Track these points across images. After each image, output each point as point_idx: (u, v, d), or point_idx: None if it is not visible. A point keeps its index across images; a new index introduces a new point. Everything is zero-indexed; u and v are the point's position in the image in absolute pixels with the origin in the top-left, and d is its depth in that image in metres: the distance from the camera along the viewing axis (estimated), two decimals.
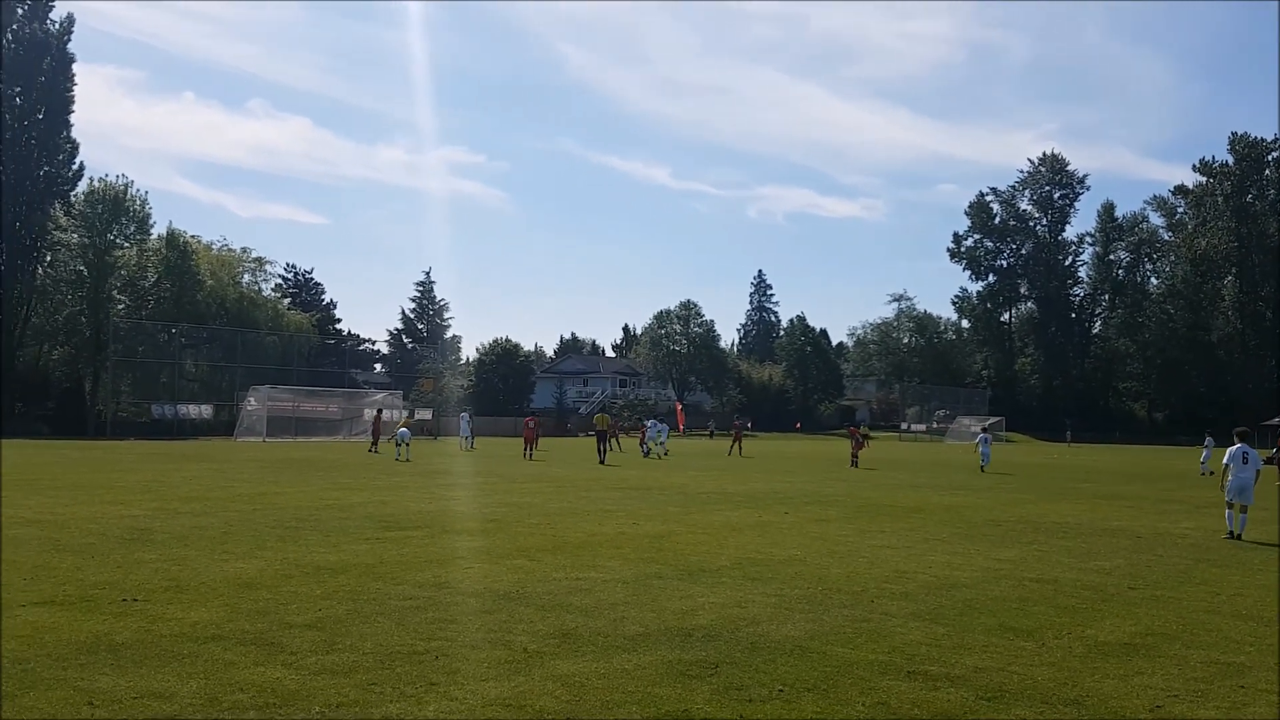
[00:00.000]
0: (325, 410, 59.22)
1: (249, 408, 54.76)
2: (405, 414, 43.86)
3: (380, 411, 45.41)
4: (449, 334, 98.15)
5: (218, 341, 65.99)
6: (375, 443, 40.02)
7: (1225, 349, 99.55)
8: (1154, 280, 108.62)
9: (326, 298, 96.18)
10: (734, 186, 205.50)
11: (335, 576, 9.93)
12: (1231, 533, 15.20)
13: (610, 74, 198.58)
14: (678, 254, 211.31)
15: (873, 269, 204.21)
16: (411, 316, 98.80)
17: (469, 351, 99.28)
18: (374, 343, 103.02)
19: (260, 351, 66.62)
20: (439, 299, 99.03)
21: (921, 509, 19.17)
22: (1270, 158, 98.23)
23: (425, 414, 67.04)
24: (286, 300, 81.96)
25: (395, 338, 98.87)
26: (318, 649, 6.99)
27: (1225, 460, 15.81)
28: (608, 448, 33.93)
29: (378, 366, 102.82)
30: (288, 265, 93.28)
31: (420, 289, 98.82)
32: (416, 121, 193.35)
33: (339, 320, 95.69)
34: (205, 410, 60.59)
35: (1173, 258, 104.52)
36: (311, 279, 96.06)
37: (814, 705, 5.94)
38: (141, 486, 20.50)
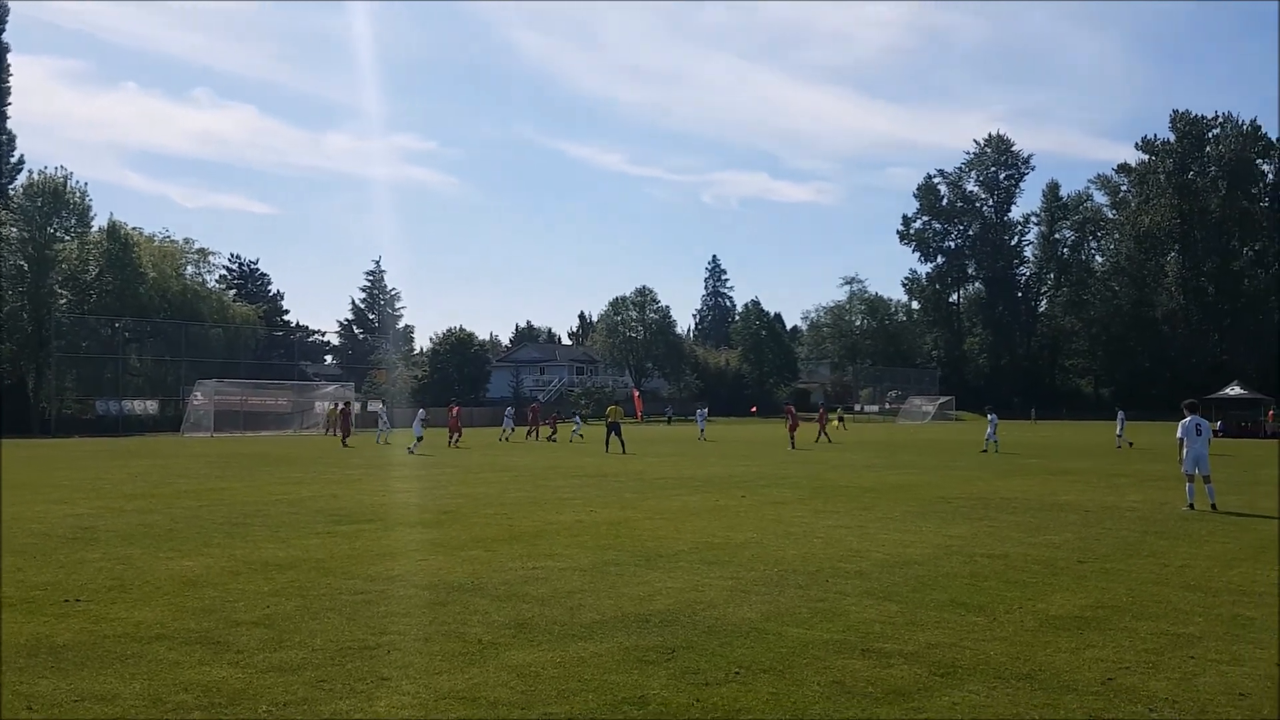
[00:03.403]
0: (274, 403, 58.41)
1: (195, 402, 53.80)
2: (420, 409, 43.29)
3: (348, 404, 44.67)
4: (401, 324, 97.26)
5: (162, 335, 64.75)
6: (345, 437, 39.38)
7: (1169, 324, 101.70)
8: (1098, 258, 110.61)
9: (273, 288, 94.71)
10: (689, 172, 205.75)
11: (284, 572, 9.76)
12: (1191, 505, 15.47)
13: (564, 60, 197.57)
14: (633, 240, 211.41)
15: (826, 252, 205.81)
16: (362, 307, 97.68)
17: (422, 342, 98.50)
18: (324, 334, 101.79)
19: (206, 345, 65.50)
20: (390, 288, 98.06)
21: (875, 489, 19.34)
22: (1211, 135, 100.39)
23: (377, 405, 66.34)
24: (232, 292, 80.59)
25: (346, 328, 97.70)
26: (265, 646, 6.85)
27: (1179, 434, 16.07)
28: (621, 439, 33.70)
29: (328, 358, 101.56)
30: (232, 256, 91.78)
31: (371, 278, 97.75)
32: (366, 108, 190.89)
33: (286, 311, 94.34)
34: (151, 406, 59.49)
35: (1117, 235, 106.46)
36: (257, 269, 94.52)
37: (770, 686, 5.93)
38: (85, 484, 20.04)
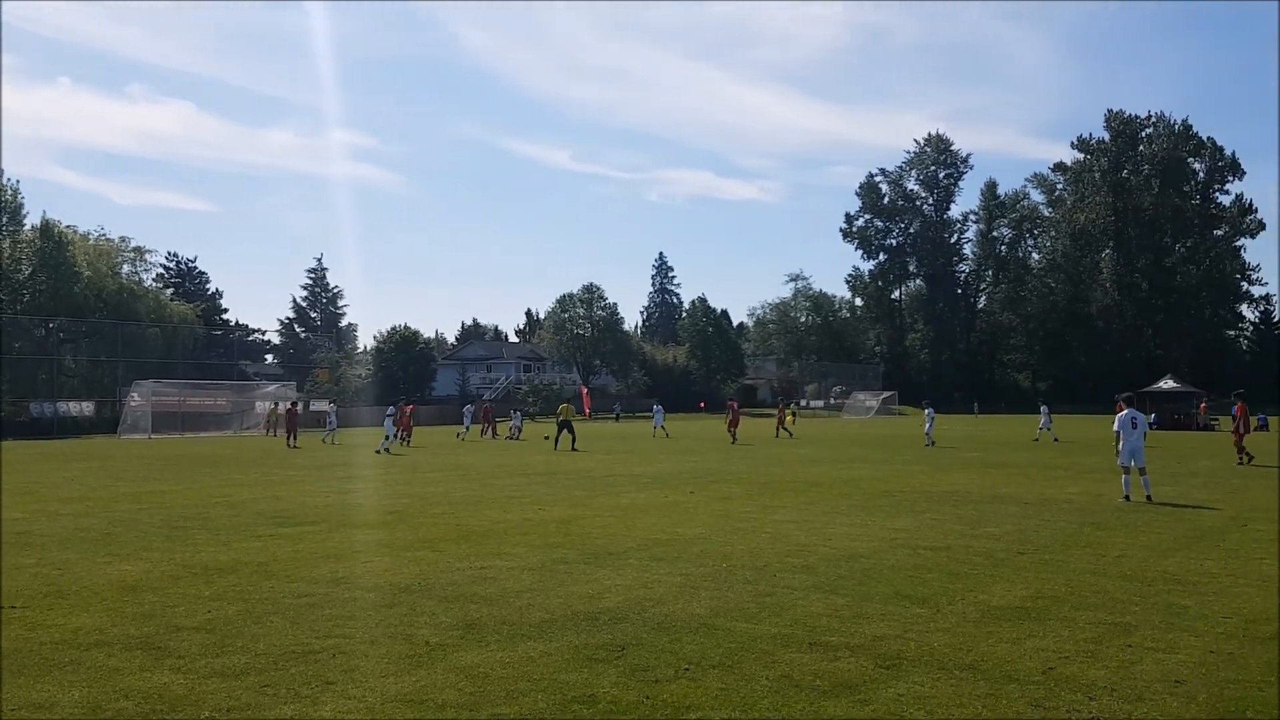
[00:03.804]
0: (214, 404, 57.21)
1: (132, 404, 52.54)
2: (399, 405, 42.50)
3: (295, 405, 43.89)
4: (344, 322, 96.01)
5: (98, 335, 63.16)
6: (292, 436, 38.64)
7: (1103, 320, 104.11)
8: (1035, 255, 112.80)
9: (212, 287, 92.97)
10: (635, 169, 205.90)
11: (225, 576, 9.59)
12: (1127, 497, 15.85)
13: (510, 57, 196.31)
14: (580, 237, 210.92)
15: (771, 250, 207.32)
16: (304, 305, 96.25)
17: (366, 340, 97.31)
18: (264, 333, 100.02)
19: (143, 345, 64.01)
20: (332, 286, 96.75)
21: (821, 483, 19.55)
22: (1144, 134, 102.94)
23: (321, 405, 65.47)
24: (169, 291, 78.91)
25: (287, 327, 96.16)
26: (207, 652, 6.74)
27: (1115, 427, 16.46)
28: (573, 436, 33.61)
29: (269, 357, 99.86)
30: (170, 254, 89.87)
31: (312, 276, 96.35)
32: (306, 104, 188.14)
33: (226, 310, 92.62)
34: (87, 407, 57.93)
35: (1053, 233, 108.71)
36: (195, 268, 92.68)
37: (719, 681, 5.97)
38: (20, 488, 19.46)
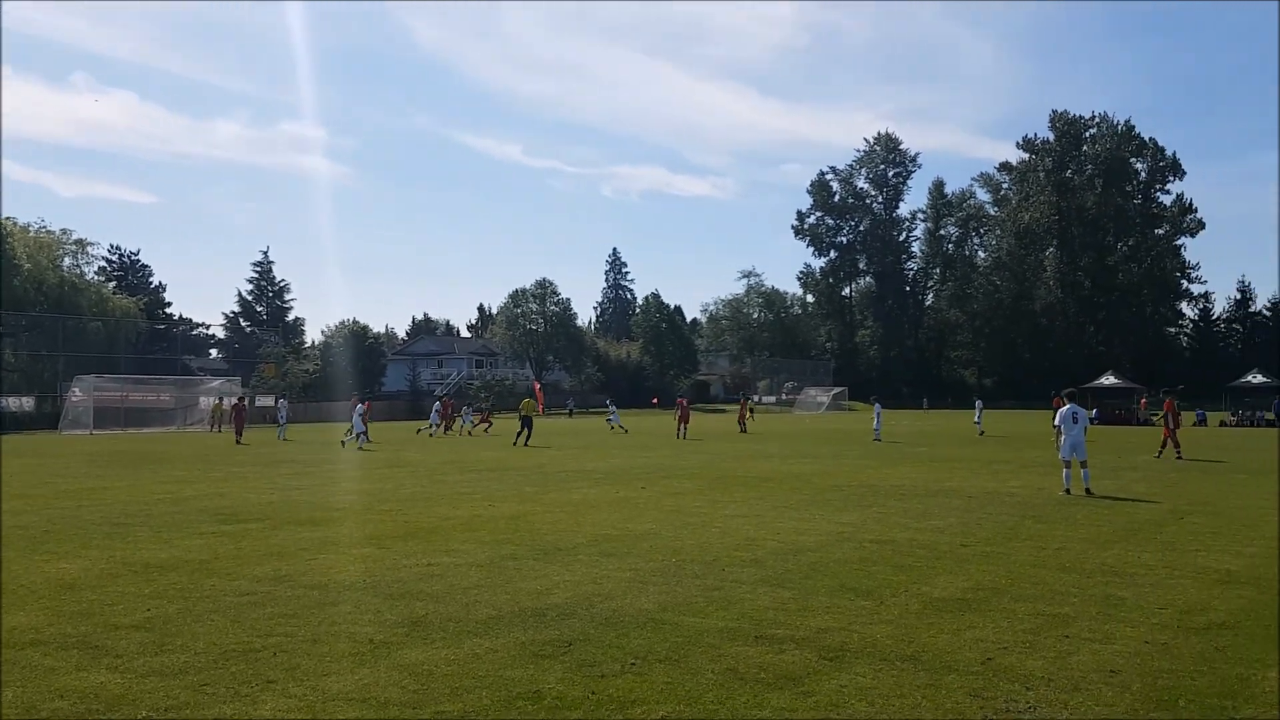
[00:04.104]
0: (157, 399, 56.16)
1: (74, 399, 51.35)
2: (354, 399, 41.86)
3: (242, 400, 43.13)
4: (291, 316, 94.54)
5: (39, 329, 61.64)
6: (239, 433, 37.91)
7: (1047, 317, 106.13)
8: (981, 253, 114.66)
9: (155, 280, 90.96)
10: (589, 164, 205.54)
11: (166, 574, 9.43)
12: (1067, 490, 16.16)
13: (463, 50, 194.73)
14: (533, 232, 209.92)
15: (724, 246, 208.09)
16: (249, 299, 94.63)
17: (314, 334, 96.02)
18: (209, 327, 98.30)
19: (84, 339, 62.64)
20: (279, 280, 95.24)
21: (771, 478, 19.69)
22: (1088, 134, 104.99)
23: (267, 400, 64.52)
24: (112, 284, 77.16)
25: (232, 321, 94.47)
26: (146, 650, 6.62)
27: (1056, 421, 16.84)
28: (529, 433, 33.51)
29: (214, 352, 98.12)
30: (112, 247, 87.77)
31: (258, 270, 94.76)
32: (254, 95, 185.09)
33: (169, 304, 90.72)
34: (27, 402, 56.57)
35: (999, 231, 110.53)
36: (138, 261, 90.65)
37: (665, 675, 5.99)
38: None
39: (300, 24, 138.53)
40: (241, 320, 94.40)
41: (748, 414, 46.10)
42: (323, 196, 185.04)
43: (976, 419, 41.06)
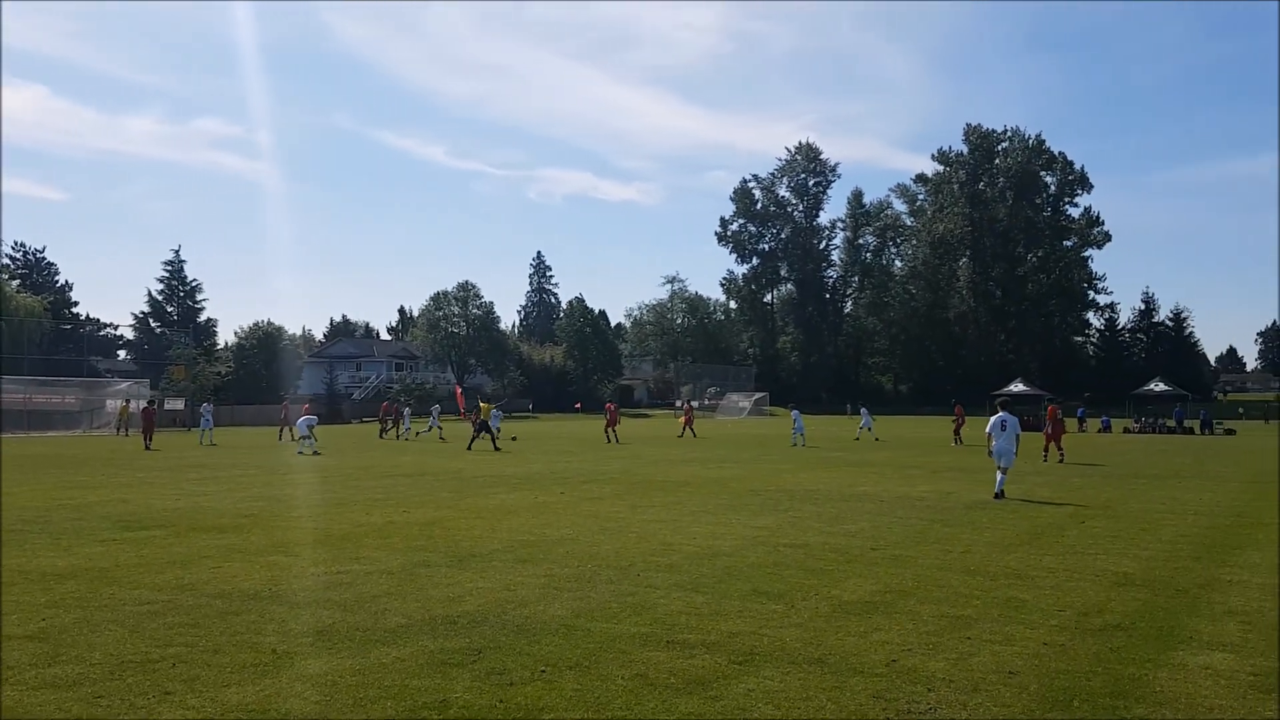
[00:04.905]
0: (62, 401, 54.16)
1: None
2: (306, 404, 40.71)
3: (152, 403, 41.71)
4: (203, 317, 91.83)
5: None
6: (148, 437, 36.50)
7: (960, 325, 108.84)
8: (898, 263, 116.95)
9: (61, 279, 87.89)
10: (513, 167, 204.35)
11: (63, 582, 9.08)
12: (998, 494, 16.66)
13: (384, 48, 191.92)
14: (456, 234, 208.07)
15: (649, 251, 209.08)
16: (160, 298, 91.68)
17: (226, 336, 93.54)
18: (117, 327, 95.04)
19: None
20: (191, 279, 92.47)
21: (690, 483, 19.79)
22: (1000, 147, 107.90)
23: (177, 404, 62.67)
24: (15, 282, 74.18)
25: (141, 322, 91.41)
26: (39, 662, 6.38)
27: (987, 429, 17.42)
28: (476, 436, 33.35)
29: (122, 353, 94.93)
30: (16, 244, 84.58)
31: (169, 269, 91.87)
32: (169, 90, 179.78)
33: (76, 304, 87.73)
34: None
35: (914, 241, 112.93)
36: (44, 258, 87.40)
37: (574, 682, 5.97)
38: None
39: (217, 19, 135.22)
40: (151, 321, 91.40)
41: (683, 418, 46.41)
42: (238, 195, 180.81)
43: (863, 425, 42.17)
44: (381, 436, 43.78)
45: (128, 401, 50.17)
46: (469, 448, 32.24)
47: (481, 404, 35.90)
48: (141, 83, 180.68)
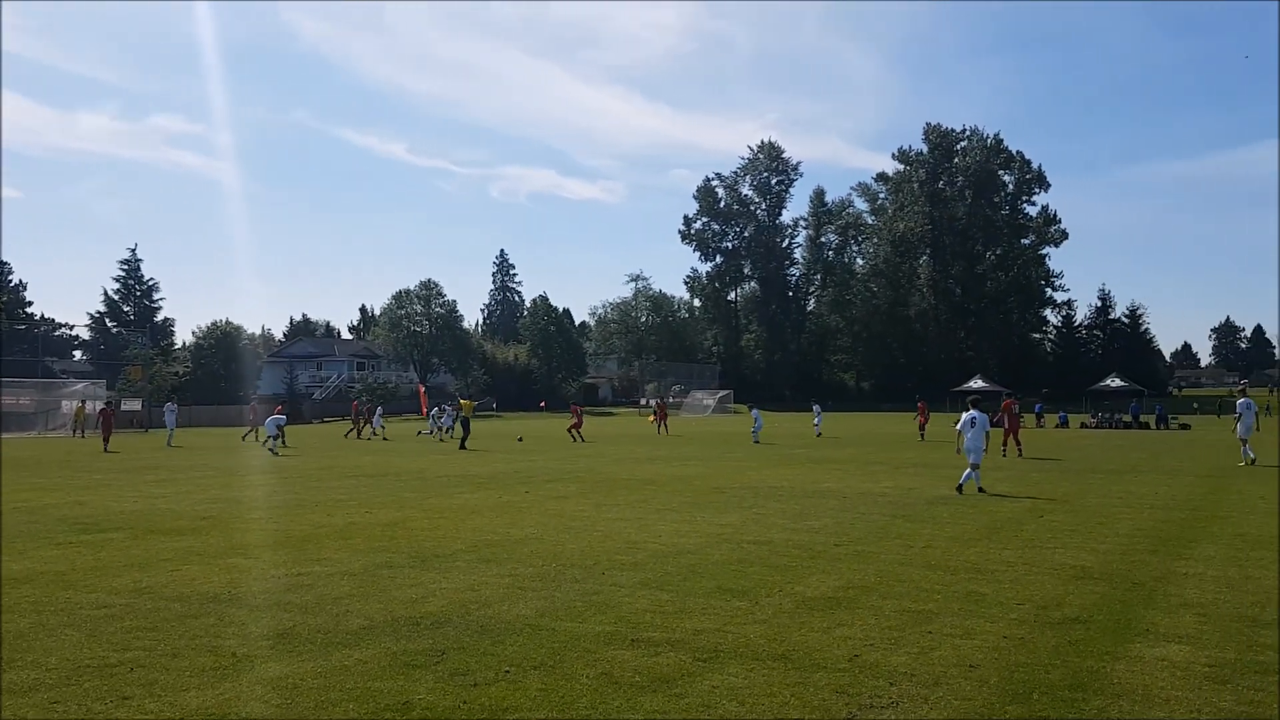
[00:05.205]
0: (16, 403, 53.13)
1: None
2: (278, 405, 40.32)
3: (109, 405, 41.00)
4: (160, 317, 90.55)
5: None
6: (106, 439, 35.83)
7: (921, 323, 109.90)
8: (859, 261, 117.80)
9: (15, 278, 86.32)
10: (476, 165, 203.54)
11: (18, 587, 8.91)
12: (980, 489, 17.05)
13: (346, 45, 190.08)
14: (418, 232, 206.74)
15: (613, 250, 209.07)
16: (116, 298, 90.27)
17: (184, 336, 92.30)
18: (72, 327, 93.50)
19: None
20: (148, 278, 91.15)
21: (655, 481, 19.82)
22: (959, 147, 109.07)
23: (134, 404, 61.69)
24: None
25: (97, 322, 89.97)
26: None
27: (958, 426, 17.72)
28: (465, 434, 33.22)
29: (78, 354, 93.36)
30: None
31: (125, 268, 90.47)
32: (125, 87, 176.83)
33: (30, 304, 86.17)
34: None
35: (875, 240, 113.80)
36: None
37: (539, 682, 5.95)
38: None
39: (175, 14, 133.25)
40: (108, 321, 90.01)
41: (650, 417, 46.61)
42: (196, 192, 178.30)
43: (816, 422, 42.80)
44: (347, 436, 43.37)
45: (83, 402, 49.37)
46: (461, 446, 32.19)
47: (463, 401, 35.80)
48: (96, 79, 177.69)
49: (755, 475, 21.04)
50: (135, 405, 61.65)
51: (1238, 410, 24.45)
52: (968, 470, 17.19)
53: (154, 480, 21.23)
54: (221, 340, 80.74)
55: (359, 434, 43.35)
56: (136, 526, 13.29)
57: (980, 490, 16.96)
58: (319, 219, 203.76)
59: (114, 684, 5.94)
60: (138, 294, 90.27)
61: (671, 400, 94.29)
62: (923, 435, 37.71)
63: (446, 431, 41.74)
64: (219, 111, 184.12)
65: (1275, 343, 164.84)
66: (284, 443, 33.88)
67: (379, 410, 45.15)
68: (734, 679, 6.00)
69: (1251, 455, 23.46)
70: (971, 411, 17.73)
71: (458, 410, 37.04)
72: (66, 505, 15.96)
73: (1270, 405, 62.04)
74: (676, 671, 6.17)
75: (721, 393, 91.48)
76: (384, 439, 41.22)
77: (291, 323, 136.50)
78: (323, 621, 7.55)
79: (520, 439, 37.71)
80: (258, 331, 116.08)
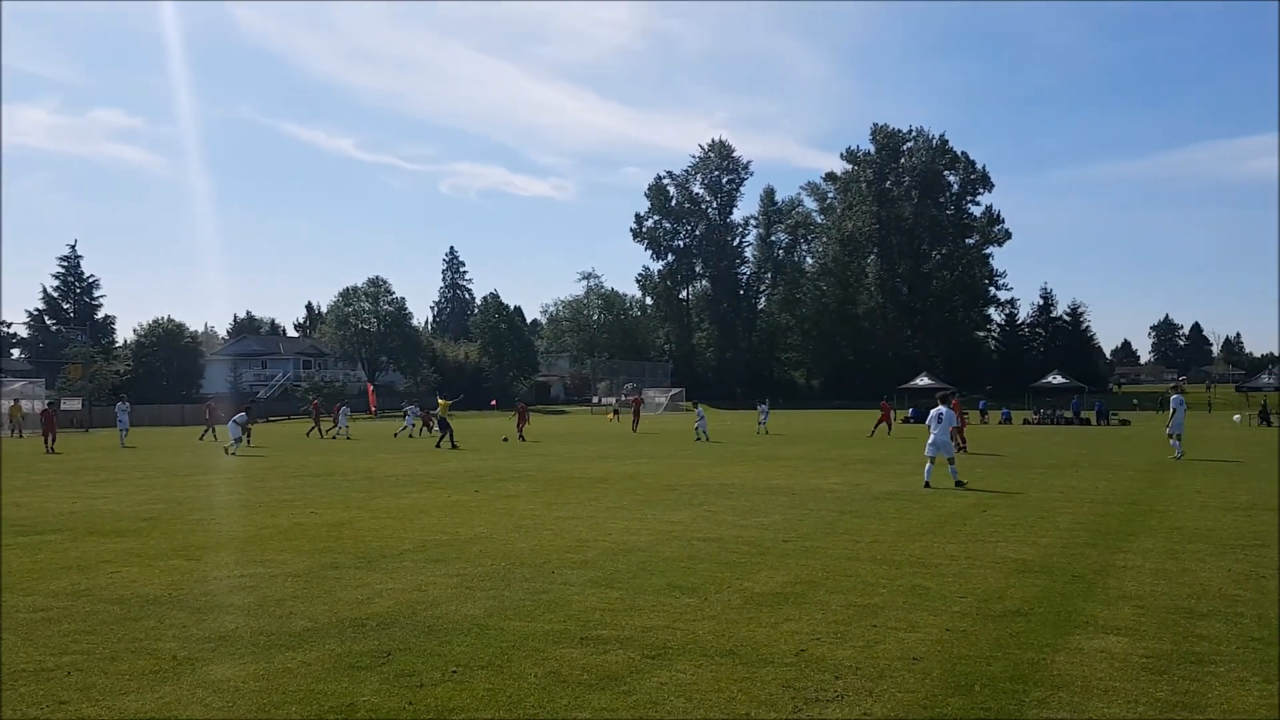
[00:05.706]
0: None
1: None
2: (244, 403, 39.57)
3: (50, 404, 40.01)
4: (100, 314, 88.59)
5: None
6: (50, 440, 34.55)
7: (869, 321, 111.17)
8: (809, 259, 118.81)
9: None
10: (426, 161, 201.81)
11: None
12: (927, 484, 17.34)
13: (290, 38, 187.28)
14: (366, 229, 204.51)
15: (564, 247, 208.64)
16: (55, 295, 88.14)
17: (125, 334, 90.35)
18: (9, 325, 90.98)
19: None
20: (88, 275, 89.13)
21: (606, 479, 19.81)
22: (906, 147, 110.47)
23: (74, 403, 60.29)
24: None
25: (36, 319, 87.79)
26: None
27: (927, 421, 18.07)
28: (449, 433, 32.83)
29: (15, 352, 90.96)
30: None
31: (65, 265, 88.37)
32: (64, 80, 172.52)
33: None
34: None
35: (825, 239, 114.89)
36: None
37: (486, 682, 5.92)
38: None
39: (120, 8, 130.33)
40: (47, 318, 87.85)
41: (611, 416, 46.71)
42: (138, 188, 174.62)
43: (761, 419, 43.69)
44: (309, 435, 42.76)
45: (17, 401, 48.09)
46: (451, 445, 31.93)
47: (440, 400, 35.50)
48: (35, 73, 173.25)
49: (706, 473, 21.13)
50: (76, 405, 60.27)
51: (1171, 406, 25.09)
52: (950, 467, 17.69)
53: (94, 481, 20.77)
54: (164, 338, 79.18)
55: (320, 433, 42.81)
56: (75, 528, 12.99)
57: (927, 485, 17.23)
58: (265, 214, 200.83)
59: (50, 688, 5.80)
60: (77, 291, 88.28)
61: (625, 398, 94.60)
62: (889, 430, 39.74)
63: (409, 429, 41.82)
64: (161, 106, 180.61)
65: (1212, 340, 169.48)
66: (249, 442, 33.36)
67: (345, 410, 44.24)
68: (682, 675, 6.02)
69: (1180, 450, 24.15)
70: (939, 408, 18.10)
71: (431, 410, 36.75)
72: (2, 506, 15.54)
73: (1210, 401, 63.72)
74: (625, 669, 6.18)
75: (673, 390, 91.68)
76: (347, 438, 40.68)
77: (235, 320, 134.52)
78: (265, 624, 7.43)
79: (506, 439, 37.26)
80: (200, 329, 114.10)
